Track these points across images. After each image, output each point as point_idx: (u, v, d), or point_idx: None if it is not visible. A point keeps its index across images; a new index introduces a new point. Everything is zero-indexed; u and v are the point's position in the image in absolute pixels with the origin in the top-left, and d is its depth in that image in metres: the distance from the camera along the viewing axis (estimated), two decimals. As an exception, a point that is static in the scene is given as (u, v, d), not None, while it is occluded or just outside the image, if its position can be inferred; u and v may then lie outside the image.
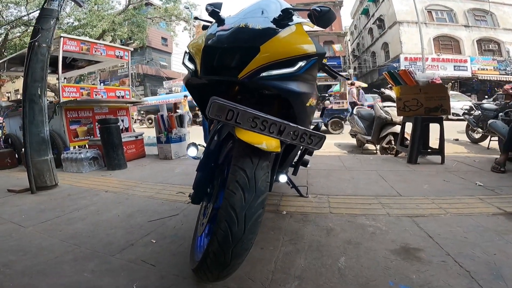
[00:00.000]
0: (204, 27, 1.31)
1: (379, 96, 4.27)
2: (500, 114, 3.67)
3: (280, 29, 1.03)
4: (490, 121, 3.45)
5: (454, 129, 6.23)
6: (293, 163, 1.68)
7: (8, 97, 17.58)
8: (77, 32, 11.62)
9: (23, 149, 2.63)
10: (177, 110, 4.29)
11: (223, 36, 1.05)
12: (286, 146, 1.15)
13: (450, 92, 8.94)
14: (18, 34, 11.57)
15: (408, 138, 3.34)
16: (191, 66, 1.15)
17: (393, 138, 3.83)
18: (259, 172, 0.87)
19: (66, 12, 11.61)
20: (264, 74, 0.98)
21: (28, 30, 10.45)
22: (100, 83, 9.61)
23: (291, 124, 0.88)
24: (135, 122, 13.54)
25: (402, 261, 1.18)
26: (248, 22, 1.05)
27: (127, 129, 4.57)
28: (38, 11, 2.63)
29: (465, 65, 16.50)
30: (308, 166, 2.03)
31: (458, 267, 1.11)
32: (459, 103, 8.98)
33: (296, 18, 1.15)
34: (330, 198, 2.01)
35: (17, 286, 1.12)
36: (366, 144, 4.51)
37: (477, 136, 4.88)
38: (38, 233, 1.61)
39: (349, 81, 11.57)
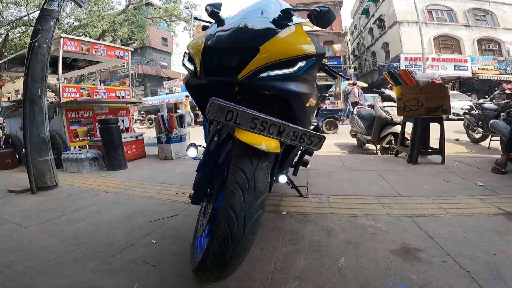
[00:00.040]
0: (204, 28, 1.31)
1: (380, 96, 4.26)
2: (502, 114, 3.65)
3: (279, 30, 1.03)
4: (491, 121, 3.44)
5: (455, 129, 6.23)
6: (293, 163, 1.68)
7: (9, 98, 17.60)
8: (77, 32, 11.64)
9: (23, 150, 2.64)
10: (177, 110, 4.30)
11: (223, 37, 1.05)
12: (286, 147, 1.15)
13: (451, 92, 8.96)
14: (19, 34, 11.59)
15: (409, 138, 3.34)
16: (190, 66, 1.15)
17: (393, 138, 3.83)
18: (258, 173, 0.87)
19: (66, 13, 11.62)
20: (263, 74, 0.98)
21: (29, 31, 10.47)
22: (100, 83, 9.64)
23: (290, 124, 0.88)
24: (135, 122, 13.55)
25: (402, 261, 1.18)
26: (247, 22, 1.05)
27: (127, 129, 4.58)
28: (38, 12, 2.63)
29: (465, 65, 16.48)
30: (308, 166, 2.03)
31: (458, 267, 1.11)
32: (459, 102, 8.97)
33: (295, 19, 1.15)
34: (330, 198, 2.01)
35: (18, 286, 1.12)
36: (367, 144, 4.50)
37: (477, 136, 4.87)
38: (38, 233, 1.61)
39: (351, 81, 11.58)
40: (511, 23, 16.99)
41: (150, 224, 1.67)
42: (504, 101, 5.41)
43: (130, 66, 5.35)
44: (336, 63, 18.92)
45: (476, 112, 4.78)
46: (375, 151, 4.29)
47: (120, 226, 1.67)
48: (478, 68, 16.40)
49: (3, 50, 11.13)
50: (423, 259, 1.19)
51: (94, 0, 11.51)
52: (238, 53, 1.00)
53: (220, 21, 1.13)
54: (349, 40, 26.82)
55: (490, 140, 4.39)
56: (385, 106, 3.91)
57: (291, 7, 1.13)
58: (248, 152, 0.88)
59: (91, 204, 2.11)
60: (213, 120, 0.87)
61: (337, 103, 7.55)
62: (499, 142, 3.75)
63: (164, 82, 21.14)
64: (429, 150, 3.25)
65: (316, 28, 1.17)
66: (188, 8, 14.62)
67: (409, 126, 3.30)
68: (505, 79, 14.19)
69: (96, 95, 4.40)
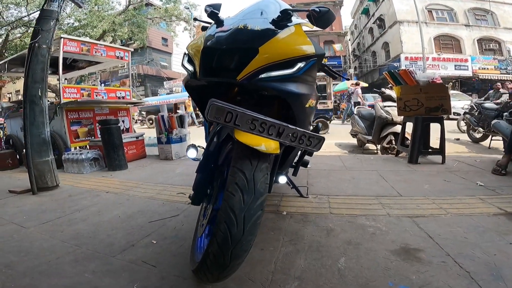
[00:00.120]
0: (204, 28, 1.31)
1: (380, 95, 4.26)
2: (505, 114, 3.63)
3: (279, 30, 1.03)
4: (493, 122, 3.42)
5: (449, 129, 6.22)
6: (293, 163, 1.68)
7: (9, 98, 17.62)
8: (77, 32, 11.65)
9: (24, 150, 2.64)
10: (178, 111, 4.30)
11: (222, 38, 1.05)
12: (285, 147, 1.15)
13: (451, 92, 8.96)
14: (19, 35, 11.61)
15: (409, 138, 3.34)
16: (190, 67, 1.15)
17: (393, 138, 3.83)
18: (258, 174, 0.87)
19: (66, 13, 11.64)
20: (263, 75, 0.98)
21: (29, 31, 10.49)
22: (101, 83, 9.63)
23: (290, 126, 0.88)
24: (135, 122, 13.56)
25: (402, 261, 1.18)
26: (247, 23, 1.05)
27: (127, 130, 4.58)
28: (38, 12, 2.63)
29: (465, 64, 16.46)
30: (308, 166, 2.03)
31: (458, 268, 1.11)
32: (460, 102, 8.96)
33: (295, 19, 1.15)
34: (331, 199, 2.01)
35: (18, 286, 1.12)
36: (367, 144, 4.50)
37: (478, 135, 4.87)
38: (39, 234, 1.62)
39: (353, 81, 11.57)
40: (511, 22, 16.96)
41: (150, 224, 1.68)
42: (499, 100, 5.41)
43: (130, 67, 5.35)
44: (336, 63, 18.95)
45: (476, 111, 4.78)
46: (376, 151, 4.29)
47: (121, 226, 1.67)
48: (479, 68, 16.37)
49: (4, 51, 11.15)
50: (423, 259, 1.19)
51: (94, 1, 11.52)
52: (238, 54, 1.00)
53: (219, 22, 1.13)
54: (349, 40, 26.82)
55: (491, 140, 4.39)
56: (385, 106, 3.91)
57: (290, 8, 1.13)
58: (248, 153, 0.89)
59: (91, 204, 2.12)
60: (212, 122, 0.87)
61: (328, 104, 7.60)
62: (501, 142, 3.73)
63: (165, 82, 21.14)
64: (430, 150, 3.24)
65: (315, 28, 1.17)
66: (188, 8, 14.63)
67: (409, 126, 3.30)
68: (505, 79, 14.15)
69: (96, 96, 4.40)
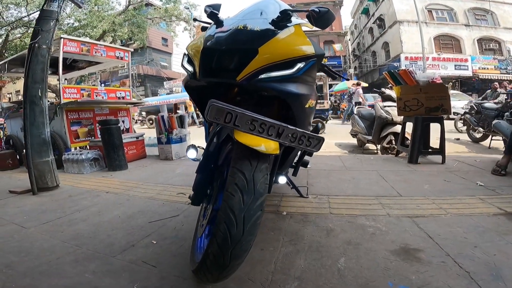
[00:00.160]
0: (203, 29, 1.31)
1: (380, 95, 4.26)
2: (506, 114, 3.62)
3: (278, 31, 1.03)
4: (494, 122, 3.42)
5: (446, 129, 6.21)
6: (293, 164, 1.69)
7: (9, 98, 17.61)
8: (77, 33, 11.66)
9: (24, 150, 2.64)
10: (178, 111, 4.30)
11: (222, 38, 1.05)
12: (285, 148, 1.15)
13: (451, 91, 8.95)
14: (19, 35, 11.61)
15: (409, 138, 3.34)
16: (190, 68, 1.15)
17: (393, 138, 3.83)
18: (257, 174, 0.87)
19: (66, 13, 11.64)
20: (262, 76, 0.98)
21: (29, 31, 10.49)
22: (101, 84, 9.63)
23: (289, 126, 0.88)
24: (136, 122, 13.56)
25: (401, 261, 1.18)
26: (246, 23, 1.05)
27: (127, 130, 4.59)
28: (38, 12, 2.63)
29: (466, 64, 16.45)
30: (308, 166, 2.03)
31: (457, 268, 1.11)
32: (460, 102, 8.96)
33: (295, 19, 1.15)
34: (331, 199, 2.01)
35: (19, 286, 1.12)
36: (367, 144, 4.50)
37: (478, 135, 4.87)
38: (39, 234, 1.62)
39: (355, 82, 11.58)
40: (511, 22, 16.95)
41: (150, 224, 1.68)
42: (497, 99, 5.42)
43: (130, 67, 5.35)
44: (336, 63, 18.96)
45: (476, 111, 4.78)
46: (376, 151, 4.29)
47: (121, 226, 1.68)
48: (479, 68, 16.36)
49: (4, 51, 11.15)
50: (422, 259, 1.19)
51: (94, 1, 11.53)
52: (237, 55, 1.00)
53: (219, 22, 1.13)
54: (349, 39, 26.82)
55: (491, 139, 4.39)
56: (385, 106, 3.91)
57: (290, 8, 1.13)
58: (247, 153, 0.89)
59: (91, 204, 2.12)
60: (212, 122, 0.87)
61: (324, 104, 7.66)
62: (501, 142, 3.72)
63: (165, 83, 21.15)
64: (430, 150, 3.24)
65: (315, 28, 1.17)
66: (188, 8, 14.62)
67: (409, 126, 3.30)
68: (505, 79, 14.15)
69: (96, 96, 4.40)
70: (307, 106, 1.11)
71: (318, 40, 19.08)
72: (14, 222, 1.82)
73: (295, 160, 1.62)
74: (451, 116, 5.76)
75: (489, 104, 4.73)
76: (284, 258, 1.25)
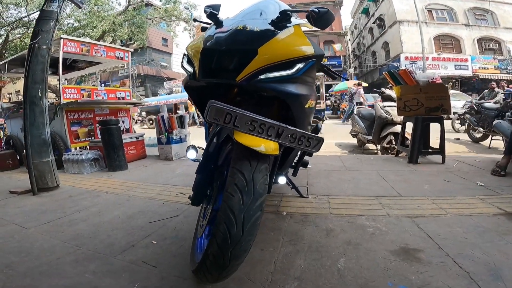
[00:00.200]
0: (203, 29, 1.31)
1: (380, 95, 4.27)
2: (507, 114, 3.61)
3: (278, 31, 1.03)
4: (495, 122, 3.41)
5: (446, 129, 6.22)
6: (293, 164, 1.69)
7: (9, 99, 17.62)
8: (77, 33, 11.66)
9: (24, 151, 2.65)
10: (178, 111, 4.30)
11: (221, 38, 1.05)
12: (285, 148, 1.15)
13: (451, 91, 8.95)
14: (19, 35, 11.62)
15: (409, 138, 3.34)
16: (189, 68, 1.15)
17: (393, 138, 3.83)
18: (257, 175, 0.87)
19: (66, 13, 11.65)
20: (262, 76, 0.98)
21: (29, 31, 10.49)
22: (101, 84, 9.63)
23: (289, 127, 0.88)
24: (136, 123, 13.56)
25: (401, 262, 1.18)
26: (246, 24, 1.05)
27: (128, 130, 4.59)
28: (38, 13, 2.63)
29: (465, 64, 16.46)
30: (308, 166, 2.03)
31: (457, 268, 1.11)
32: (460, 102, 8.96)
33: (294, 20, 1.15)
34: (330, 199, 2.01)
35: (19, 287, 1.13)
36: (367, 144, 4.50)
37: (478, 135, 4.87)
38: (40, 234, 1.62)
39: (356, 82, 11.58)
40: (511, 22, 16.95)
41: (150, 225, 1.68)
42: (494, 99, 5.42)
43: (130, 67, 5.36)
44: (336, 63, 18.97)
45: (476, 111, 4.78)
46: (376, 151, 4.29)
47: (121, 227, 1.68)
48: (479, 68, 16.37)
49: (4, 51, 11.16)
50: (422, 259, 1.19)
51: (94, 1, 11.53)
52: (237, 55, 1.00)
53: (219, 23, 1.13)
54: (349, 39, 26.82)
55: (491, 139, 4.39)
56: (385, 106, 3.91)
57: (290, 8, 1.13)
58: (247, 154, 0.89)
59: (92, 205, 2.12)
60: (212, 123, 0.87)
61: (320, 104, 7.72)
62: (502, 141, 3.71)
63: (165, 83, 21.17)
64: (430, 150, 3.24)
65: (315, 28, 1.17)
66: (188, 8, 14.62)
67: (409, 126, 3.30)
68: (505, 78, 14.15)
69: (96, 96, 4.40)
70: (306, 106, 1.11)
71: (318, 40, 19.08)
72: (14, 222, 1.83)
73: (295, 160, 1.62)
74: (451, 116, 5.77)
75: (489, 104, 4.73)
76: (284, 258, 1.25)
